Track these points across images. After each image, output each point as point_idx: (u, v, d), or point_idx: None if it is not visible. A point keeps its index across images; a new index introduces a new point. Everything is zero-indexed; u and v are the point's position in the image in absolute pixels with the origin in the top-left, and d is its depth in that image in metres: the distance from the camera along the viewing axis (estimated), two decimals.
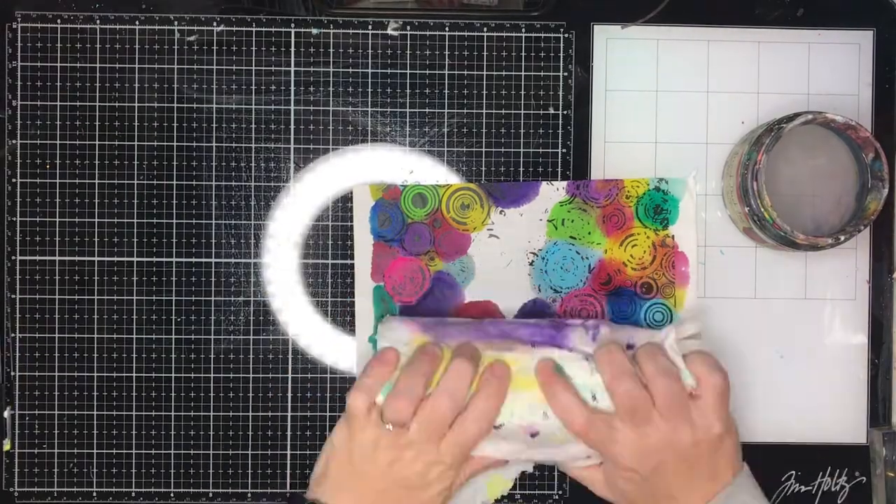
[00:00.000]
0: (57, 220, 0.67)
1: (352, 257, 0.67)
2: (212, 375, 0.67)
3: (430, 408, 0.56)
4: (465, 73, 0.68)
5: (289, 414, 0.67)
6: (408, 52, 0.68)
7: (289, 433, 0.67)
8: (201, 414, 0.67)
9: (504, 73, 0.68)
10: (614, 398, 0.57)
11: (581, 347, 0.59)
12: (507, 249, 0.67)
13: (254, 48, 0.67)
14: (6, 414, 0.67)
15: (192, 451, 0.67)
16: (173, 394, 0.67)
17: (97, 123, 0.67)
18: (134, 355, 0.67)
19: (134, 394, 0.67)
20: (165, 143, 0.67)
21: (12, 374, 0.67)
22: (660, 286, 0.67)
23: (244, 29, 0.67)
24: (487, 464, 0.61)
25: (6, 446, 0.67)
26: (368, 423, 0.57)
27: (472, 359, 0.58)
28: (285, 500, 0.66)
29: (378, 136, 0.68)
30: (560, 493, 0.68)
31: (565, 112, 0.68)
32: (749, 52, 0.68)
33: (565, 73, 0.68)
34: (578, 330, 0.60)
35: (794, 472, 0.68)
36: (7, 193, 0.67)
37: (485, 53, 0.68)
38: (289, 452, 0.67)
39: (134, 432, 0.67)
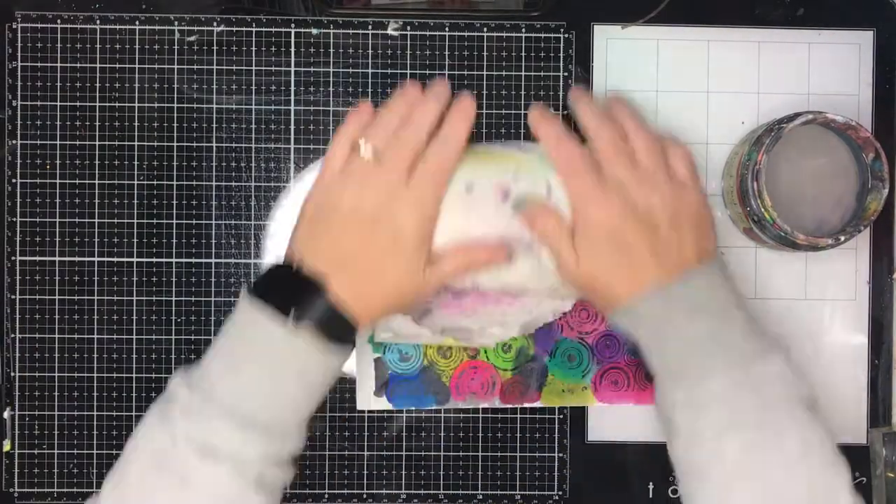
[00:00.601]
0: (57, 220, 0.67)
1: None
2: None
3: (397, 137, 0.56)
4: (465, 73, 0.68)
5: None
6: (408, 52, 0.68)
7: None
8: None
9: (504, 73, 0.68)
10: (598, 144, 0.56)
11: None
12: None
13: (254, 48, 0.67)
14: (6, 414, 0.67)
15: None
16: None
17: (97, 123, 0.67)
18: (134, 355, 0.67)
19: (134, 394, 0.67)
20: (165, 143, 0.67)
21: (12, 374, 0.67)
22: None
23: (244, 29, 0.67)
24: (464, 261, 0.57)
25: (6, 447, 0.67)
26: (343, 161, 0.56)
27: (438, 97, 0.57)
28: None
29: None
30: (560, 493, 0.68)
31: (565, 112, 0.68)
32: (749, 52, 0.68)
33: (565, 73, 0.68)
34: None
35: None
36: (7, 193, 0.67)
37: (485, 53, 0.68)
38: None
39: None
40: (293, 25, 0.67)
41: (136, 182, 0.67)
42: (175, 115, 0.67)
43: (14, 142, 0.67)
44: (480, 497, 0.68)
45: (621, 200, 0.55)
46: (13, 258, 0.67)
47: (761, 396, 0.51)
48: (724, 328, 0.53)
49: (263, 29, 0.67)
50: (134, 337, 0.67)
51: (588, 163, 0.56)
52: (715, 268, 0.55)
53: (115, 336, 0.67)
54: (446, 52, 0.67)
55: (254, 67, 0.67)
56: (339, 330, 0.54)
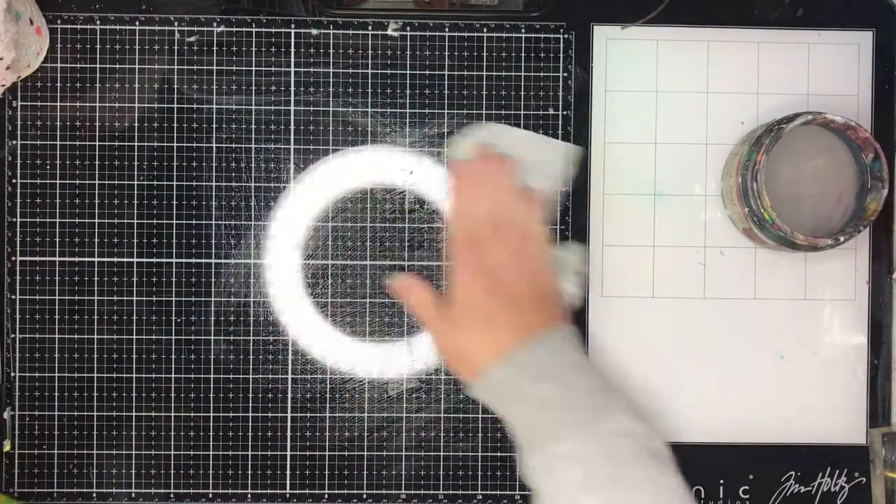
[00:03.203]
0: (57, 220, 0.67)
1: (353, 258, 0.67)
2: (212, 375, 0.67)
3: None
4: (465, 73, 0.68)
5: (289, 414, 0.67)
6: (408, 52, 0.68)
7: (289, 433, 0.67)
8: (201, 414, 0.67)
9: (504, 73, 0.68)
10: (466, 224, 0.61)
11: None
12: None
13: (254, 48, 0.67)
14: (6, 415, 0.67)
15: (192, 452, 0.67)
16: (173, 394, 0.67)
17: (97, 124, 0.67)
18: (134, 355, 0.67)
19: (134, 394, 0.67)
20: (165, 144, 0.67)
21: (12, 374, 0.67)
22: None
23: (244, 29, 0.67)
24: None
25: (6, 447, 0.67)
26: None
27: None
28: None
29: (378, 137, 0.68)
30: None
31: (565, 113, 0.68)
32: (749, 53, 0.68)
33: (565, 74, 0.68)
34: None
35: (793, 472, 0.68)
36: (7, 194, 0.67)
37: (485, 54, 0.68)
38: (289, 452, 0.67)
39: (134, 433, 0.67)
40: (293, 25, 0.67)
41: (136, 182, 0.67)
42: (175, 115, 0.67)
43: (14, 142, 0.67)
44: (480, 497, 0.68)
45: (489, 277, 0.58)
46: (13, 258, 0.67)
47: (611, 455, 0.51)
48: (570, 391, 0.54)
49: (263, 29, 0.67)
50: (134, 337, 0.67)
51: (465, 239, 0.60)
52: (561, 334, 0.58)
53: (115, 336, 0.67)
54: (446, 53, 0.68)
55: (254, 67, 0.67)
56: None
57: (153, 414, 0.67)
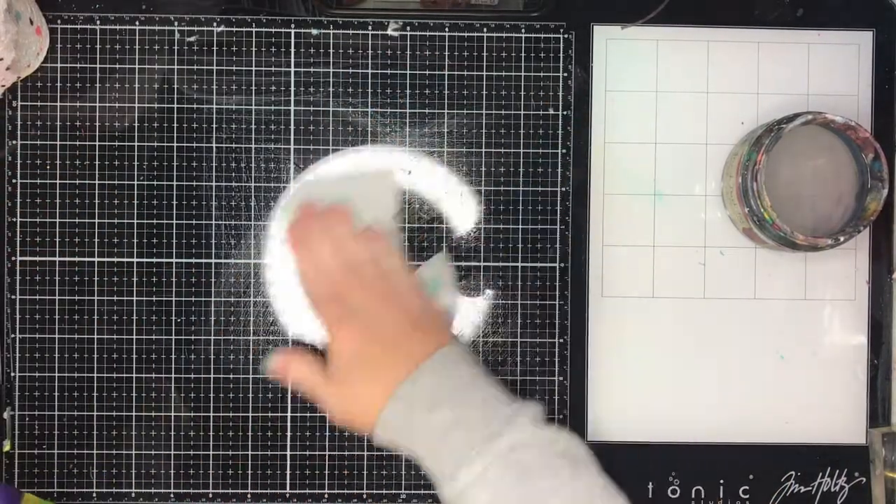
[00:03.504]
0: (57, 220, 0.67)
1: None
2: (212, 376, 0.67)
3: None
4: (465, 73, 0.68)
5: (289, 414, 0.67)
6: (408, 52, 0.68)
7: (289, 433, 0.67)
8: (201, 414, 0.67)
9: (504, 73, 0.68)
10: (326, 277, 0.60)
11: None
12: None
13: (254, 48, 0.67)
14: (6, 415, 0.67)
15: (192, 452, 0.67)
16: (173, 394, 0.67)
17: (97, 124, 0.67)
18: (134, 355, 0.67)
19: (134, 394, 0.67)
20: (165, 144, 0.67)
21: (12, 374, 0.67)
22: None
23: (244, 29, 0.67)
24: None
25: (6, 447, 0.67)
26: None
27: None
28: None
29: (378, 137, 0.68)
30: None
31: (565, 113, 0.68)
32: (749, 53, 0.68)
33: (565, 74, 0.68)
34: None
35: (793, 472, 0.68)
36: (7, 194, 0.67)
37: (485, 54, 0.68)
38: (289, 452, 0.67)
39: (134, 432, 0.67)
40: (293, 25, 0.67)
41: (136, 182, 0.67)
42: (175, 115, 0.67)
43: (14, 142, 0.67)
44: None
45: (359, 321, 0.57)
46: (13, 258, 0.67)
47: (517, 471, 0.50)
48: (466, 409, 0.53)
49: (263, 29, 0.67)
50: (134, 337, 0.67)
51: (325, 296, 0.59)
52: (445, 352, 0.56)
53: (115, 336, 0.67)
54: (446, 53, 0.68)
55: (254, 67, 0.67)
56: None
57: (153, 414, 0.67)
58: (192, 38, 0.67)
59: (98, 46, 0.67)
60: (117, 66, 0.67)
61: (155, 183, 0.67)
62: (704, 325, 0.68)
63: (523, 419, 0.52)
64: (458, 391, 0.54)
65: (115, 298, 0.67)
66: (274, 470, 0.67)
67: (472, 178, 0.68)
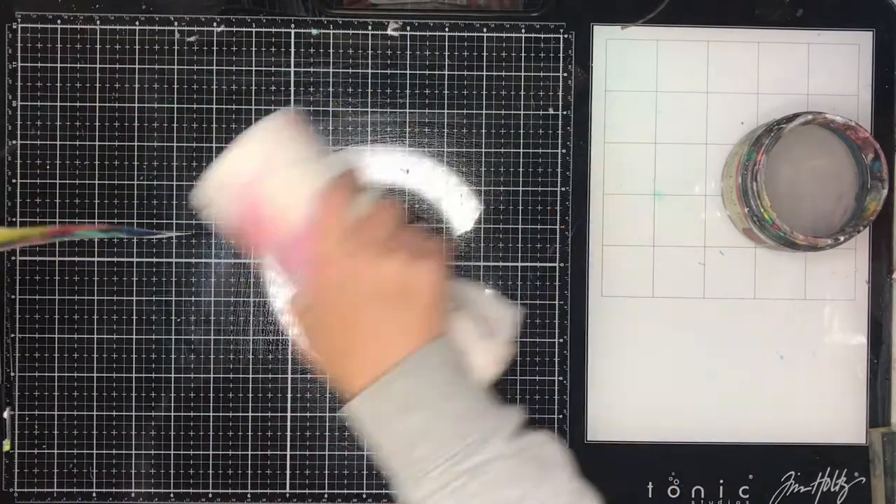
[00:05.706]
0: (57, 220, 0.67)
1: None
2: (212, 375, 0.67)
3: None
4: (465, 73, 0.68)
5: (289, 414, 0.67)
6: (408, 52, 0.68)
7: (289, 433, 0.67)
8: (201, 414, 0.67)
9: (504, 73, 0.68)
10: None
11: None
12: None
13: (254, 48, 0.67)
14: (6, 414, 0.67)
15: (192, 452, 0.67)
16: (173, 394, 0.67)
17: (97, 123, 0.67)
18: (134, 355, 0.67)
19: (134, 394, 0.67)
20: (165, 144, 0.67)
21: (12, 374, 0.67)
22: None
23: (244, 29, 0.67)
24: None
25: (6, 447, 0.67)
26: None
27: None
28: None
29: (378, 137, 0.68)
30: None
31: (565, 113, 0.68)
32: (749, 53, 0.68)
33: (565, 74, 0.68)
34: None
35: (793, 472, 0.68)
36: (7, 193, 0.67)
37: (484, 54, 0.68)
38: (289, 452, 0.67)
39: (134, 432, 0.67)
40: (293, 25, 0.67)
41: (135, 182, 0.67)
42: (175, 115, 0.67)
43: (14, 142, 0.67)
44: None
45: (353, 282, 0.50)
46: (13, 258, 0.67)
47: (481, 481, 0.47)
48: (437, 421, 0.49)
49: (263, 29, 0.67)
50: (134, 337, 0.67)
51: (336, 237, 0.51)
52: (432, 351, 0.50)
53: (115, 336, 0.67)
54: (446, 53, 0.68)
55: (254, 67, 0.67)
56: None
57: (153, 414, 0.67)
58: (192, 38, 0.67)
59: (98, 46, 0.67)
60: (117, 66, 0.67)
61: (155, 183, 0.67)
62: (704, 325, 0.68)
63: (498, 440, 0.49)
64: (438, 397, 0.50)
65: (115, 298, 0.67)
66: (274, 470, 0.67)
67: (472, 178, 0.68)
